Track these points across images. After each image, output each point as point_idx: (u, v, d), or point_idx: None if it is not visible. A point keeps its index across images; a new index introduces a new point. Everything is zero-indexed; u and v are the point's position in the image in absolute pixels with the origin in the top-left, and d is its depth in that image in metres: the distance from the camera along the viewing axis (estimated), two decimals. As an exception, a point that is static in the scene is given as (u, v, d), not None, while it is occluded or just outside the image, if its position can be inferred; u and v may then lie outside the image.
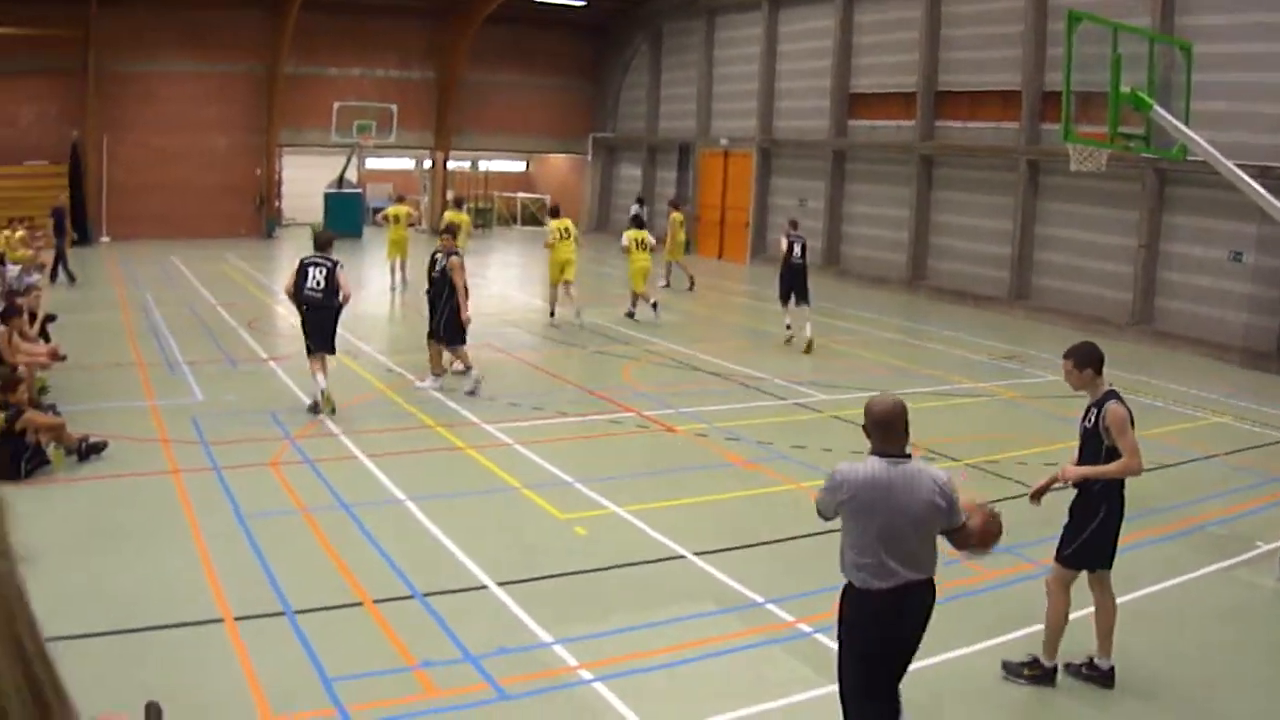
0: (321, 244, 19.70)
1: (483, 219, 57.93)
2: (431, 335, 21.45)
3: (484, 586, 11.76)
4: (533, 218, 58.56)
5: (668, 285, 37.75)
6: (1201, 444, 19.71)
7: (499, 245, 50.34)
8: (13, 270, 25.88)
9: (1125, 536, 13.93)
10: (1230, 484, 17.50)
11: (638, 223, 32.39)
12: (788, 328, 27.76)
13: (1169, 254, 30.96)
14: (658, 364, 24.39)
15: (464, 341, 21.30)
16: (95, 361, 22.49)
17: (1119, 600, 10.60)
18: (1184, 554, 13.92)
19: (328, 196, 51.00)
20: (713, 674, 10.13)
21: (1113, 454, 10.13)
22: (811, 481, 15.98)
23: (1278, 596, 12.91)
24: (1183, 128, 16.21)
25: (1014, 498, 15.54)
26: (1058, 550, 10.41)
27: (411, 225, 35.36)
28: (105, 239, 45.69)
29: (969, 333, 30.56)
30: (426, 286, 21.66)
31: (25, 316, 19.59)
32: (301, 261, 19.42)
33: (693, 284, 38.08)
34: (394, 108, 51.14)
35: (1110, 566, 10.26)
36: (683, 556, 12.70)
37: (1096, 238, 32.95)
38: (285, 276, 20.43)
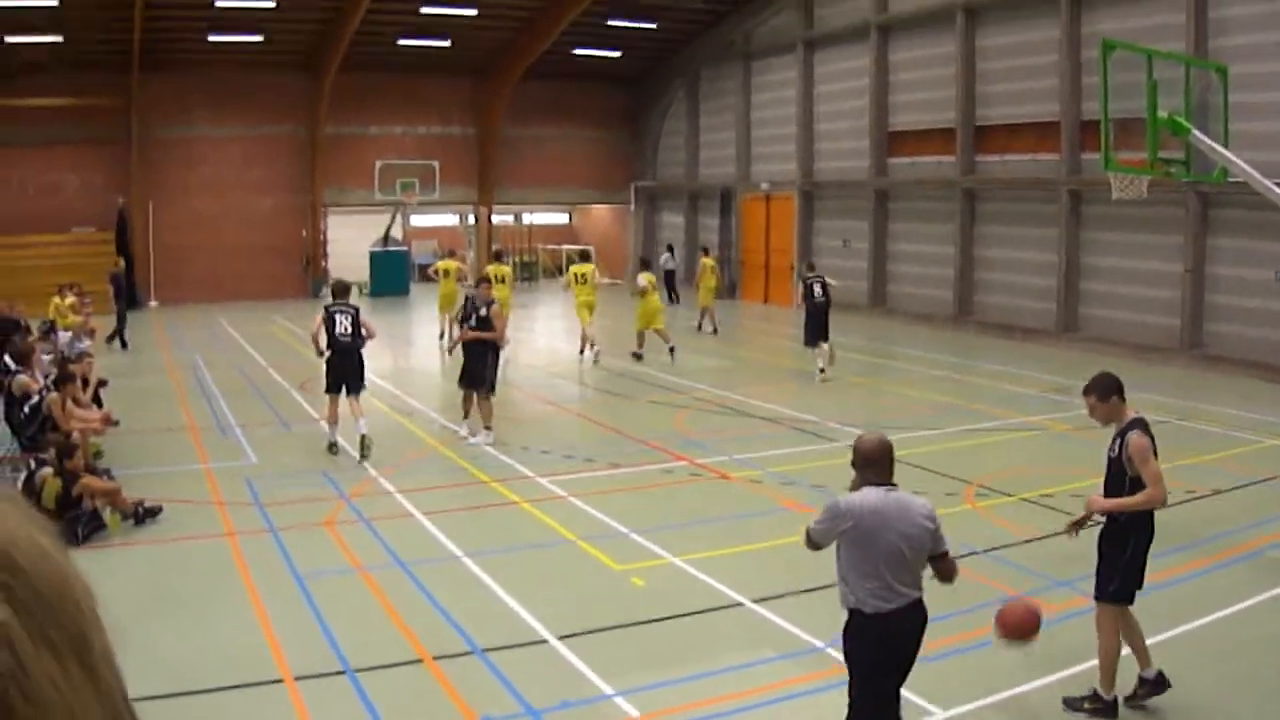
0: (340, 291, 21.25)
1: (528, 271, 58.10)
2: (473, 386, 21.63)
3: (543, 640, 11.75)
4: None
5: (700, 329, 38.41)
6: (1256, 468, 19.54)
7: (544, 298, 50.45)
8: (64, 337, 26.09)
9: (1186, 565, 13.89)
10: (1288, 508, 17.36)
11: (645, 265, 34.00)
12: (821, 370, 28.24)
13: (1215, 277, 30.82)
14: (708, 411, 24.36)
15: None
16: (148, 426, 22.63)
17: (1180, 630, 10.56)
18: (1244, 579, 13.80)
19: (373, 255, 51.26)
20: (775, 720, 10.10)
21: (1137, 484, 10.15)
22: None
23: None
24: (1222, 150, 16.19)
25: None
26: (1099, 588, 10.39)
27: (461, 280, 35.63)
28: (153, 303, 46.04)
29: (1017, 366, 30.45)
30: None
31: (79, 382, 19.70)
32: (327, 309, 20.56)
33: (716, 330, 38.47)
34: (436, 164, 51.38)
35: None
36: (741, 604, 12.67)
37: (1141, 264, 32.84)
38: (311, 324, 21.19)
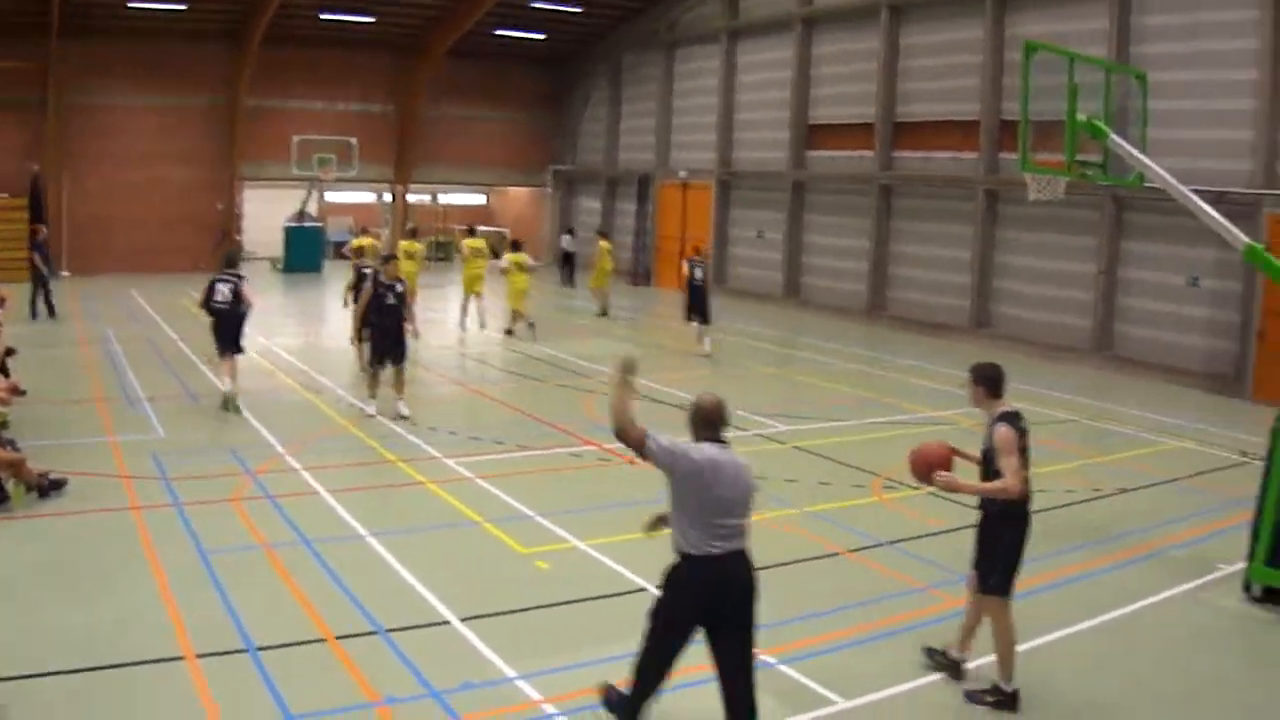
0: (230, 262, 22.83)
1: (442, 252, 57.89)
2: (387, 362, 22.07)
3: (447, 622, 11.73)
4: (493, 251, 58.47)
5: (604, 314, 39.23)
6: (1162, 469, 19.83)
7: (458, 278, 50.35)
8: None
9: (1090, 563, 14.05)
10: (1191, 508, 17.57)
11: (515, 246, 34.73)
12: (703, 347, 30.44)
13: (1128, 280, 31.13)
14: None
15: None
16: (55, 397, 22.40)
17: (1081, 626, 10.69)
18: (1146, 578, 13.97)
19: (288, 230, 50.89)
20: (678, 707, 10.10)
21: (996, 477, 10.34)
22: (774, 512, 16.04)
23: (1239, 619, 12.95)
24: (1139, 155, 16.30)
25: (975, 526, 15.64)
26: (982, 581, 10.62)
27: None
28: (65, 273, 45.45)
29: (929, 361, 30.65)
30: (372, 317, 22.32)
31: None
32: (213, 278, 22.22)
33: (606, 312, 39.40)
34: (354, 141, 51.14)
35: (1008, 592, 10.36)
36: (645, 589, 12.68)
37: (1056, 265, 33.11)
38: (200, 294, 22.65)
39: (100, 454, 18.20)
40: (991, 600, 10.55)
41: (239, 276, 22.30)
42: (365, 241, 34.95)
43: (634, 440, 8.82)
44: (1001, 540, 10.51)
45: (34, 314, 33.06)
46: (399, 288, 22.33)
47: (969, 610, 10.88)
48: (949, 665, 10.91)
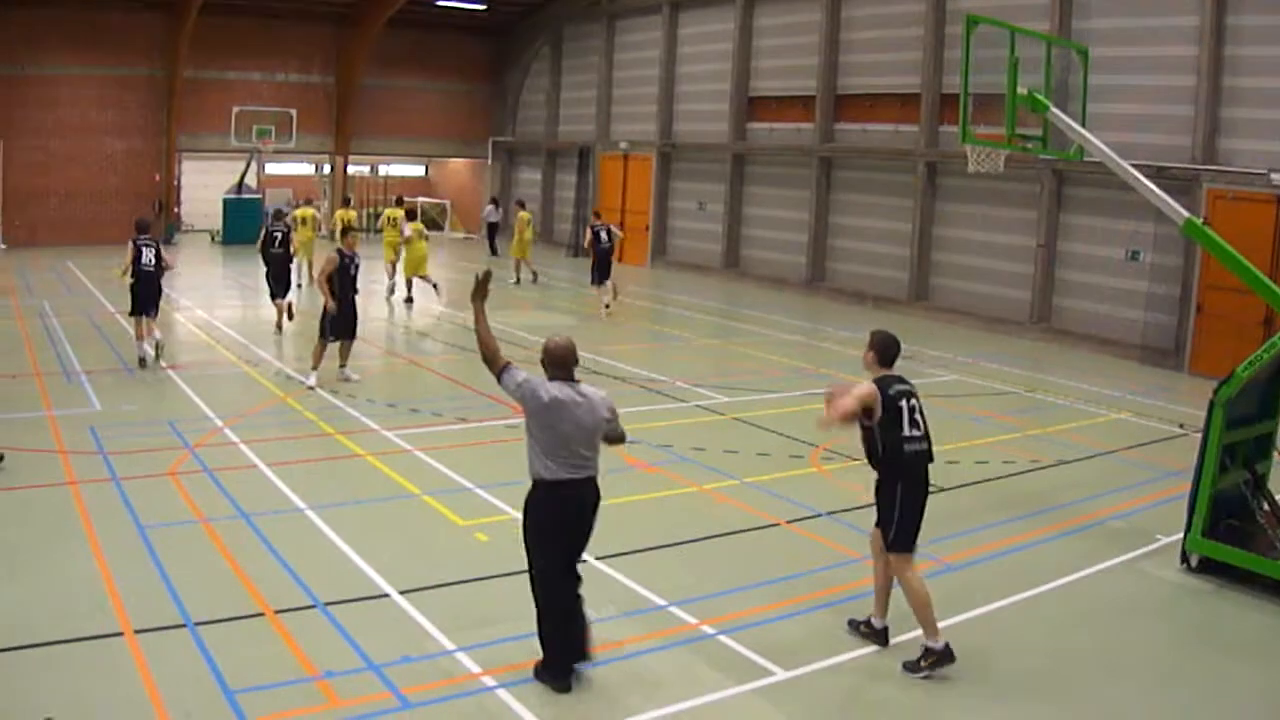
0: (143, 228, 24.27)
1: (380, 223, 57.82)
2: (343, 336, 22.52)
3: (386, 595, 11.72)
4: (433, 222, 58.16)
5: (518, 282, 39.98)
6: (1101, 440, 19.97)
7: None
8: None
9: (1028, 533, 14.17)
10: (1130, 479, 17.72)
11: (410, 215, 36.25)
12: (607, 306, 32.07)
13: (1068, 253, 31.31)
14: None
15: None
16: (-10, 371, 22.26)
17: (1019, 597, 10.81)
18: (1084, 549, 14.08)
19: (227, 202, 50.56)
20: (617, 678, 10.13)
21: (870, 435, 10.94)
22: (714, 483, 16.11)
23: (1177, 589, 13.07)
24: (1079, 129, 16.38)
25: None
26: (884, 539, 11.02)
27: (317, 229, 36.11)
28: (1, 246, 45.13)
29: (868, 334, 30.67)
30: (334, 289, 22.28)
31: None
32: (135, 242, 23.66)
33: (536, 278, 40.70)
34: (293, 112, 50.85)
35: (907, 550, 10.90)
36: (584, 560, 12.70)
37: (995, 238, 33.27)
38: (125, 258, 23.78)
39: (37, 429, 18.07)
40: (895, 558, 10.92)
41: (156, 241, 24.36)
42: (308, 214, 35.08)
43: (494, 369, 10.50)
44: (893, 496, 10.97)
45: None
46: (359, 260, 22.96)
47: (877, 571, 11.26)
48: (874, 634, 11.16)
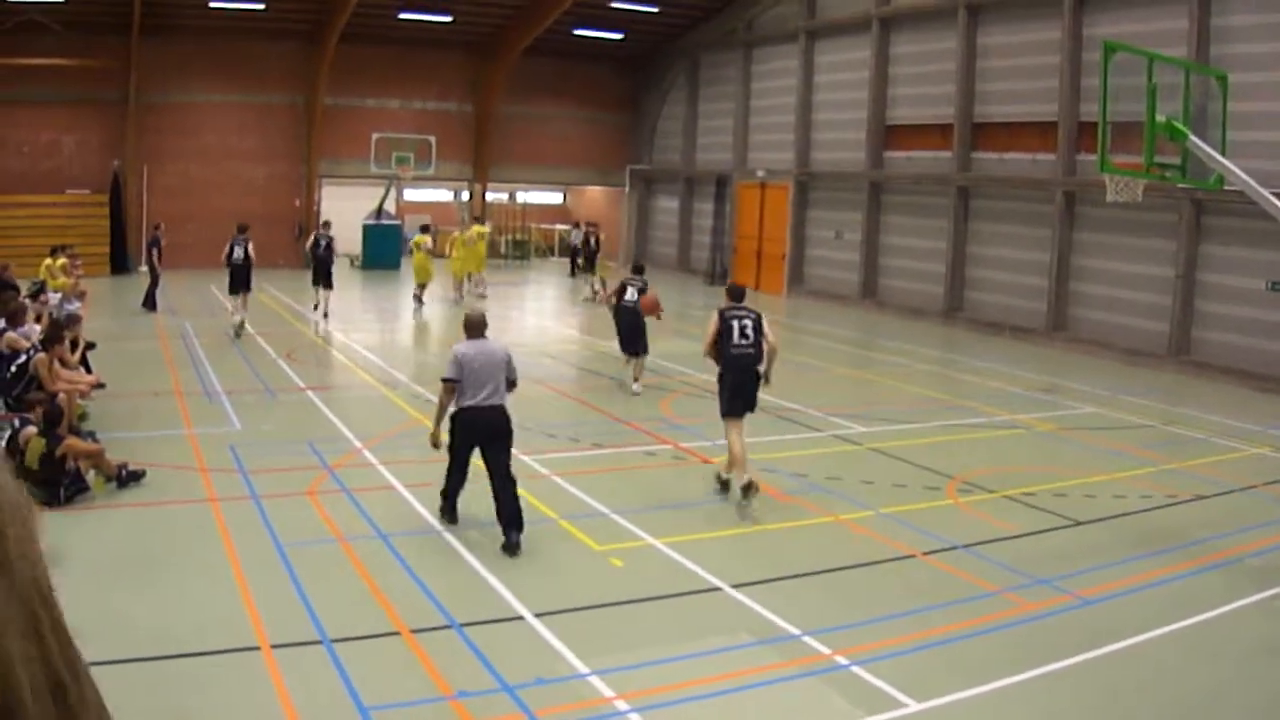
0: (240, 229, 32.18)
1: (520, 250, 58.09)
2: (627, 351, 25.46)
3: (520, 617, 11.77)
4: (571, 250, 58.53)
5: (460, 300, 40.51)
6: (1239, 476, 19.55)
7: (535, 276, 50.37)
8: (53, 298, 26.05)
9: (1166, 569, 13.97)
10: (1268, 516, 17.33)
11: (424, 229, 40.37)
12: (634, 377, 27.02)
13: (1206, 284, 30.83)
14: (694, 396, 24.32)
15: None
16: (134, 390, 22.62)
17: (1159, 632, 10.65)
18: (1221, 586, 13.80)
19: (366, 228, 51.10)
20: (749, 706, 10.12)
21: (715, 343, 16.93)
22: (849, 514, 16.04)
23: (1316, 629, 12.83)
24: (1219, 157, 16.18)
25: (1050, 530, 15.57)
26: (720, 411, 16.85)
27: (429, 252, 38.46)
28: (144, 268, 45.81)
29: (1005, 365, 30.45)
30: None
31: (66, 344, 19.69)
32: (231, 241, 31.44)
33: (484, 293, 41.91)
34: (432, 139, 51.25)
35: (731, 416, 16.56)
36: (719, 589, 12.69)
37: (1133, 268, 32.85)
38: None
39: (178, 446, 18.37)
40: (725, 422, 16.66)
41: (247, 239, 31.64)
42: (423, 239, 37.14)
43: (445, 390, 14.76)
44: (724, 384, 16.82)
45: (144, 307, 34.82)
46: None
47: (731, 442, 16.51)
48: (723, 486, 16.90)
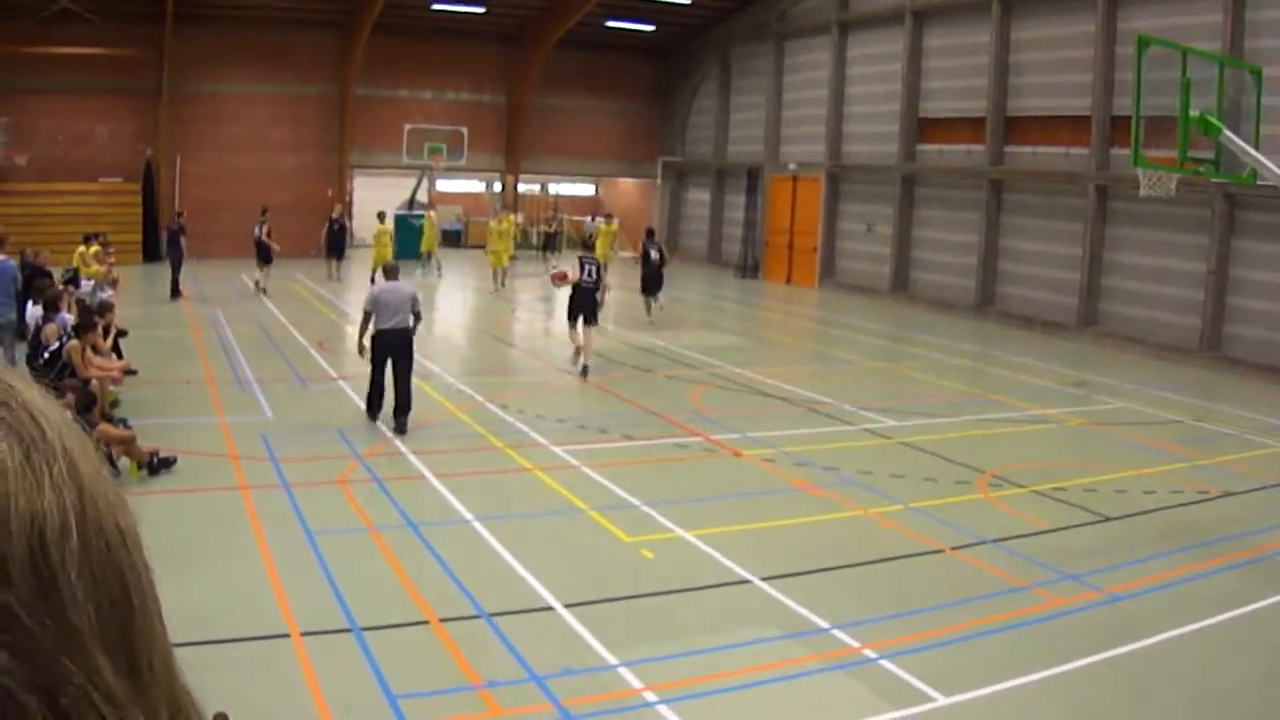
0: (263, 210, 38.96)
1: (552, 241, 58.19)
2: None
3: (550, 608, 11.79)
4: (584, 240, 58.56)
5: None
6: (1270, 472, 19.44)
7: (566, 268, 50.54)
8: (86, 286, 26.16)
9: (1194, 565, 13.91)
10: (1300, 513, 17.31)
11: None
12: (649, 313, 34.75)
13: (1238, 279, 30.69)
14: (725, 388, 24.37)
15: None
16: (166, 377, 22.74)
17: (1186, 629, 10.66)
18: (1251, 583, 13.74)
19: (398, 218, 51.12)
20: (778, 699, 10.12)
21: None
22: (879, 507, 16.01)
23: (1348, 627, 12.77)
24: (1253, 151, 16.13)
25: (1080, 525, 15.53)
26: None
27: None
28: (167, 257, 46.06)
29: (1037, 359, 30.37)
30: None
31: (99, 331, 19.76)
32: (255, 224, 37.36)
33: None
34: (464, 130, 51.35)
35: (577, 321, 24.36)
36: (749, 581, 12.69)
37: (1165, 263, 32.73)
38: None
39: (210, 434, 18.46)
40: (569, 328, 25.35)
41: (266, 220, 38.71)
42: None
43: (364, 318, 19.86)
44: (571, 302, 24.33)
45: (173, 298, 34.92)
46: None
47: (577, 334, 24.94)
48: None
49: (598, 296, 26.86)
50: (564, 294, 27.95)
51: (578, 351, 26.48)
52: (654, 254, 34.85)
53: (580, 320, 26.43)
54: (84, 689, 0.91)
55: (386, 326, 19.37)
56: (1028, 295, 37.64)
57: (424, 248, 45.46)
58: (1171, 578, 13.76)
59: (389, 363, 19.57)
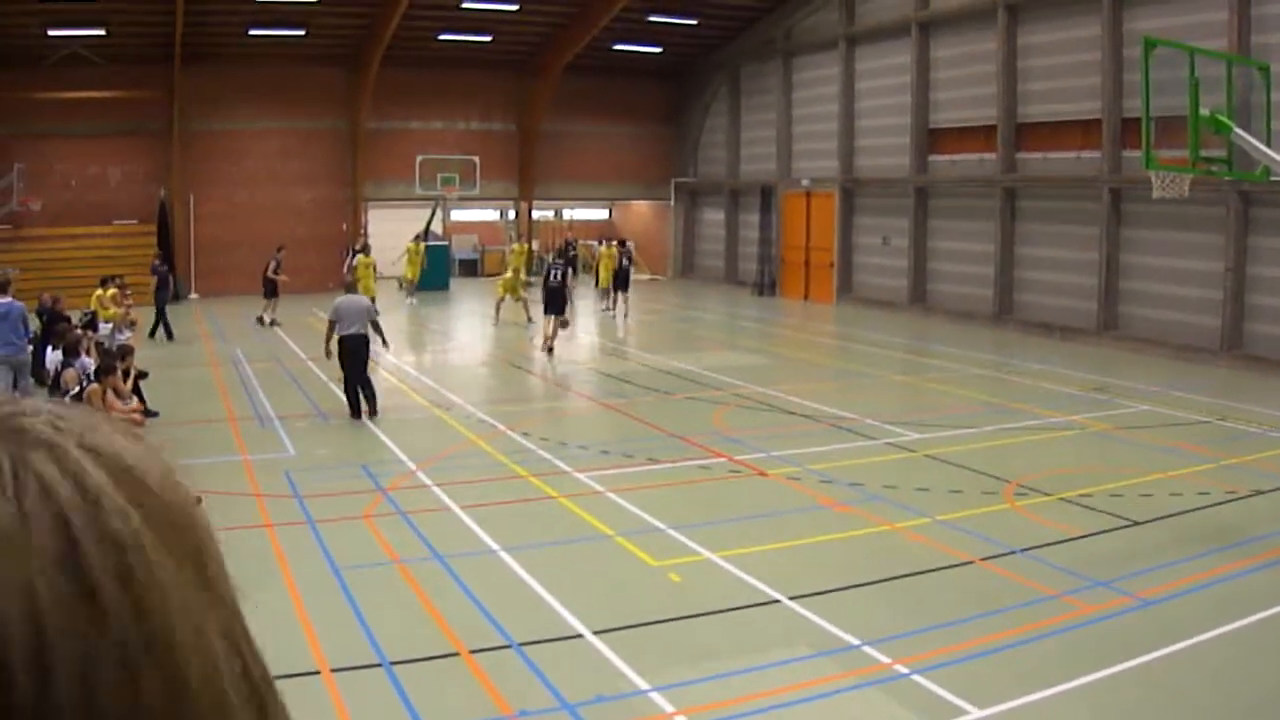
0: (278, 248, 38.16)
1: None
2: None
3: (580, 635, 11.76)
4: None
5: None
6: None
7: (582, 292, 50.44)
8: (104, 329, 26.22)
9: (1226, 565, 13.81)
10: (1328, 511, 17.23)
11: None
12: (607, 309, 40.65)
13: (1257, 277, 30.61)
14: (747, 408, 24.34)
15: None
16: (187, 417, 22.75)
17: (1220, 630, 10.61)
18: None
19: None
20: (811, 718, 10.08)
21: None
22: (906, 521, 15.96)
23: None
24: (1264, 148, 16.10)
25: (1108, 531, 15.47)
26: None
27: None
28: (194, 295, 46.18)
29: (1058, 365, 30.30)
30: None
31: (119, 374, 19.79)
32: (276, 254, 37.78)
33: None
34: (476, 159, 51.45)
35: (550, 314, 28.09)
36: (778, 601, 12.66)
37: (1182, 264, 32.65)
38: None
39: (233, 472, 18.45)
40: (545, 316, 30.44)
41: (273, 259, 38.56)
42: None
43: (329, 326, 23.19)
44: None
45: (153, 335, 34.31)
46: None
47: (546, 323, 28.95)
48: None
49: (565, 294, 32.78)
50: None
51: (545, 337, 32.33)
52: (554, 275, 33.92)
53: (548, 312, 32.49)
54: None
55: (348, 333, 22.96)
56: (1046, 302, 37.59)
57: (407, 275, 46.92)
58: (1203, 580, 13.68)
59: (349, 363, 23.21)
